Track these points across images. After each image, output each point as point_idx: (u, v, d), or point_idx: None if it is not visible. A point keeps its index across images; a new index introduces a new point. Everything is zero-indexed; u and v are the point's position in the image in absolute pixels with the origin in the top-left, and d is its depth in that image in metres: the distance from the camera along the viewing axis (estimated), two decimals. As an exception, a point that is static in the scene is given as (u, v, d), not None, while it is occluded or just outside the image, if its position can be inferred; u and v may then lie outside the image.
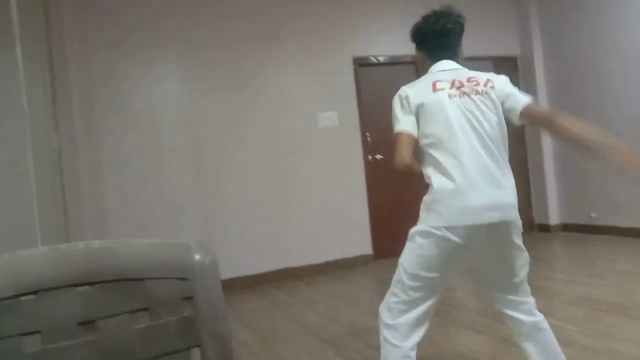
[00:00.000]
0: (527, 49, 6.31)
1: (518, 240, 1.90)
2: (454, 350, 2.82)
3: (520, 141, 6.44)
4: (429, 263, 1.83)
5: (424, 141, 1.90)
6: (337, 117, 5.45)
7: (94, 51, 4.59)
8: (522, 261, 1.95)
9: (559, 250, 5.44)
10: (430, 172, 1.87)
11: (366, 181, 5.55)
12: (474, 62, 6.16)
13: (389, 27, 5.68)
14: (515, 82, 6.68)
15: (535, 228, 6.39)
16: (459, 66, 2.01)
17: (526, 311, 1.99)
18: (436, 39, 2.02)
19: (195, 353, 0.81)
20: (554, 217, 6.25)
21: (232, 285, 4.80)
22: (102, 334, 0.77)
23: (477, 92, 1.89)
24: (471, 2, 6.16)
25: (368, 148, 5.56)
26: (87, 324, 0.78)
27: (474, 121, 1.85)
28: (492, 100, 1.90)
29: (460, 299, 3.81)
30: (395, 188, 5.41)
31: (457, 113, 1.86)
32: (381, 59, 5.67)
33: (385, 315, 1.94)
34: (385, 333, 1.92)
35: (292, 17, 5.29)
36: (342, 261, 5.37)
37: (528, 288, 2.02)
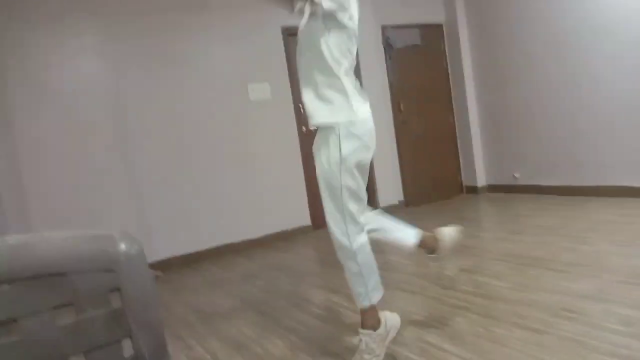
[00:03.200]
0: (452, 16, 6.46)
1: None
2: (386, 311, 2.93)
3: (447, 107, 6.65)
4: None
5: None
6: (269, 89, 5.39)
7: (1, 24, 4.25)
8: None
9: (485, 210, 5.73)
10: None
11: (301, 152, 5.56)
12: (402, 30, 6.30)
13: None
14: (442, 49, 6.77)
15: (463, 190, 6.68)
16: None
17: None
18: None
19: (127, 344, 0.79)
20: (481, 179, 6.56)
21: (169, 265, 4.73)
22: (25, 333, 0.74)
23: None
24: (397, -31, 6.22)
25: (302, 119, 5.56)
26: (8, 323, 0.75)
27: None
28: None
29: (393, 262, 3.95)
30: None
31: None
32: (310, 28, 5.62)
33: (351, 239, 2.23)
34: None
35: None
36: (281, 234, 5.40)
37: None
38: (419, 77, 6.40)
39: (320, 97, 2.19)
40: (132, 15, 4.73)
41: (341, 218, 2.20)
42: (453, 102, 6.67)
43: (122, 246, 0.81)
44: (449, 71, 6.64)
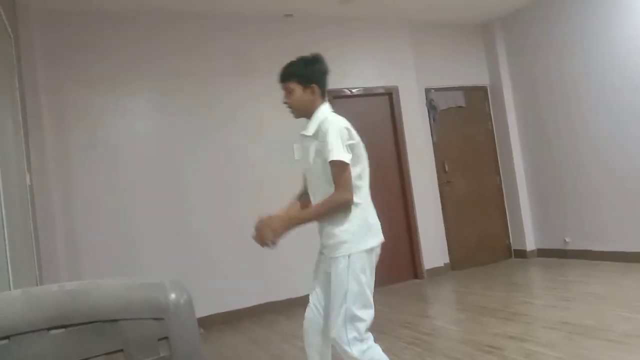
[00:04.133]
0: (496, 78, 6.51)
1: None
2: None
3: (494, 168, 6.57)
4: (372, 275, 2.21)
5: (354, 175, 2.16)
6: (314, 149, 5.48)
7: (66, 85, 4.55)
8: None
9: (535, 275, 5.51)
10: (359, 202, 2.16)
11: (344, 212, 5.56)
12: (446, 92, 6.38)
13: (362, 60, 5.81)
14: (487, 110, 6.78)
15: (511, 254, 6.47)
16: None
17: None
18: (325, 79, 2.34)
19: (172, 394, 0.80)
20: (530, 243, 6.34)
21: (210, 323, 4.72)
22: (76, 378, 0.76)
23: None
24: (442, 34, 6.39)
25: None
26: (60, 368, 0.77)
27: None
28: None
29: (439, 327, 3.81)
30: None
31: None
32: (355, 90, 5.78)
33: (355, 349, 2.08)
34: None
35: (266, 51, 5.35)
36: (322, 293, 5.33)
37: None
38: (464, 138, 6.40)
39: None
40: (184, 76, 4.99)
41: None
42: (499, 163, 6.59)
43: (172, 295, 0.83)
44: (494, 132, 6.62)
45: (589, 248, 5.62)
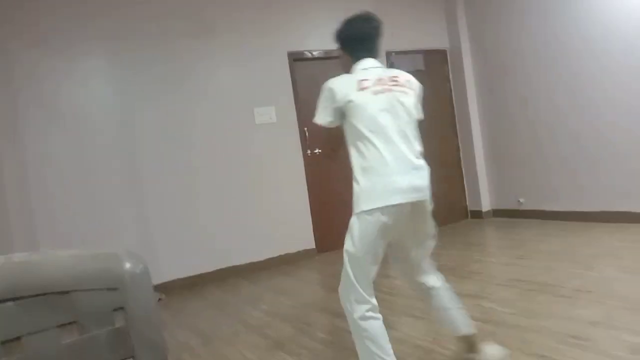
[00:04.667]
0: (456, 42, 6.53)
1: (430, 216, 2.23)
2: (394, 337, 2.89)
3: (452, 131, 6.67)
4: (369, 245, 2.03)
5: (351, 136, 2.11)
6: (275, 113, 5.43)
7: (16, 48, 4.33)
8: (432, 234, 2.27)
9: (490, 235, 5.70)
10: (358, 164, 2.08)
11: (306, 176, 5.58)
12: (406, 56, 6.37)
13: (322, 21, 5.71)
14: (446, 74, 6.82)
15: (468, 215, 6.66)
16: (380, 64, 2.25)
17: (437, 277, 2.33)
18: (358, 41, 2.26)
19: (129, 364, 0.79)
20: (486, 204, 6.53)
21: (172, 288, 4.70)
22: (28, 351, 0.74)
23: (397, 88, 2.15)
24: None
25: (307, 143, 5.59)
26: (11, 342, 0.75)
27: (393, 114, 2.10)
28: (408, 96, 2.18)
29: (399, 286, 3.92)
30: (334, 182, 5.47)
31: (379, 108, 2.08)
32: (316, 53, 5.70)
33: (353, 308, 2.07)
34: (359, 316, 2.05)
35: (226, 12, 5.20)
36: (285, 257, 5.38)
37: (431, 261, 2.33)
38: (423, 101, 6.43)
39: None
40: (140, 39, 4.81)
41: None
42: (457, 126, 6.69)
43: (127, 265, 0.81)
44: (453, 96, 6.69)
45: (542, 208, 5.84)
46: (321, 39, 5.68)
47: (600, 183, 5.22)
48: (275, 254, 5.33)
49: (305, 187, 5.57)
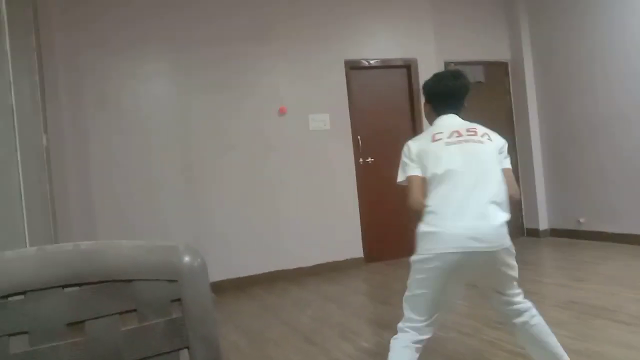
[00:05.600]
0: (517, 54, 6.36)
1: (505, 264, 2.09)
2: (441, 354, 2.83)
3: (510, 146, 6.48)
4: (424, 284, 2.05)
5: (427, 185, 2.15)
6: (329, 120, 5.46)
7: (82, 49, 4.57)
8: (511, 276, 2.15)
9: (547, 255, 5.49)
10: (426, 208, 2.10)
11: (357, 184, 5.56)
12: (466, 67, 6.26)
13: (380, 31, 5.70)
14: (505, 86, 6.63)
15: (524, 233, 6.44)
16: (459, 120, 2.28)
17: (522, 306, 2.23)
18: (442, 98, 2.30)
19: (184, 355, 0.81)
20: (543, 223, 6.30)
21: (221, 288, 4.79)
22: (89, 335, 0.77)
23: (472, 140, 2.15)
24: (463, 9, 6.23)
25: (359, 151, 5.58)
26: (75, 325, 0.78)
27: (466, 162, 2.09)
28: (485, 145, 2.15)
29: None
30: (386, 192, 5.42)
31: (450, 157, 2.10)
32: (372, 62, 5.69)
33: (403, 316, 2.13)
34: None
35: (283, 18, 5.30)
36: (333, 264, 5.38)
37: (518, 289, 2.22)
38: (481, 114, 6.27)
39: None
40: (200, 44, 4.96)
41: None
42: (516, 140, 6.50)
43: (186, 258, 0.83)
44: (513, 109, 6.51)
45: (603, 230, 5.57)
46: (378, 48, 5.68)
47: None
48: (324, 261, 5.34)
49: (356, 195, 5.55)
